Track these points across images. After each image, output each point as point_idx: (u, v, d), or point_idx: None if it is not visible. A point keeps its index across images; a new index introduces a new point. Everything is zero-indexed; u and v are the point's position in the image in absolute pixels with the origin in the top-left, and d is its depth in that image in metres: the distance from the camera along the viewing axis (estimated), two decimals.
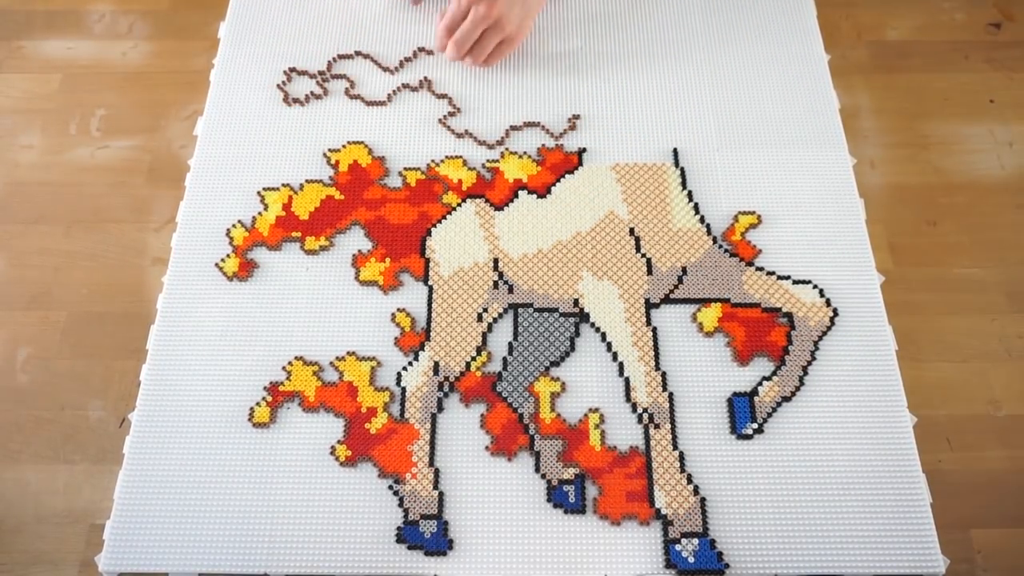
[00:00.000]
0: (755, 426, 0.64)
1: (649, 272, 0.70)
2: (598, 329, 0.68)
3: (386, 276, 0.71)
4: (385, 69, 0.82)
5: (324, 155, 0.77)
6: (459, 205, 0.74)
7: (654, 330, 0.68)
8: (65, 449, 0.66)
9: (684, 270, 0.70)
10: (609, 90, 0.80)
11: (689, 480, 0.63)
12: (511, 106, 0.80)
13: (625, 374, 0.66)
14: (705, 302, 0.69)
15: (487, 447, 0.64)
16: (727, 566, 0.60)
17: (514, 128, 0.78)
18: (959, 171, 0.78)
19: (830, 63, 0.81)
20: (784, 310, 0.68)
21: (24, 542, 0.63)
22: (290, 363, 0.67)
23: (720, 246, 0.71)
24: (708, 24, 0.84)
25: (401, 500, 0.62)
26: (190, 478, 0.63)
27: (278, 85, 0.80)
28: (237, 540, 0.61)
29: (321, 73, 0.81)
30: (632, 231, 0.72)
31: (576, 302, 0.69)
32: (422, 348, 0.68)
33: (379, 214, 0.73)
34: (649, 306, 0.69)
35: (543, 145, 0.77)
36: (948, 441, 0.66)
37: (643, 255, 0.71)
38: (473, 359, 0.67)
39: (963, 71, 0.84)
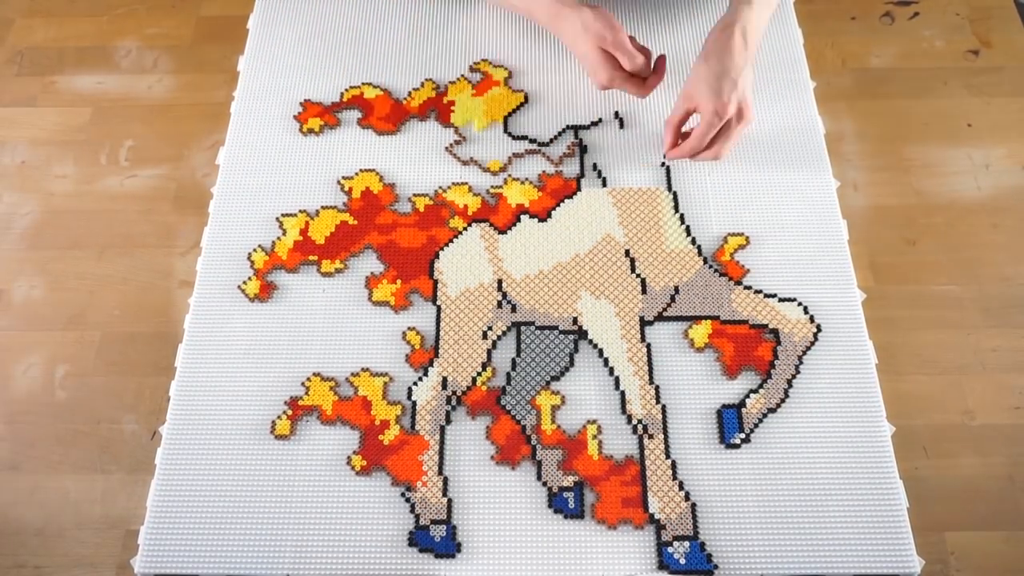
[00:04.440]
0: (742, 436, 0.67)
1: (643, 291, 0.73)
2: (595, 346, 0.71)
3: (397, 297, 0.74)
4: (395, 99, 0.85)
5: (338, 182, 0.80)
6: (465, 229, 0.77)
7: (648, 346, 0.71)
8: (102, 460, 0.69)
9: (676, 289, 0.73)
10: (606, 119, 0.83)
11: (681, 487, 0.65)
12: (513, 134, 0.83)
13: (621, 388, 0.69)
14: (696, 319, 0.72)
15: (492, 457, 0.67)
16: (716, 567, 0.62)
17: (516, 155, 0.81)
18: (938, 192, 0.79)
19: (816, 90, 0.84)
20: (770, 326, 0.71)
21: (66, 546, 0.66)
22: (308, 379, 0.70)
23: (710, 266, 0.74)
24: None
25: (412, 506, 0.65)
26: (217, 486, 0.66)
27: (294, 116, 0.84)
28: (261, 544, 0.64)
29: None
30: (627, 252, 0.75)
31: (575, 320, 0.72)
32: (431, 364, 0.71)
33: (390, 238, 0.77)
34: (643, 323, 0.72)
35: (543, 171, 0.80)
36: (924, 449, 0.68)
37: (638, 275, 0.74)
38: (479, 374, 0.70)
39: (942, 97, 0.85)
